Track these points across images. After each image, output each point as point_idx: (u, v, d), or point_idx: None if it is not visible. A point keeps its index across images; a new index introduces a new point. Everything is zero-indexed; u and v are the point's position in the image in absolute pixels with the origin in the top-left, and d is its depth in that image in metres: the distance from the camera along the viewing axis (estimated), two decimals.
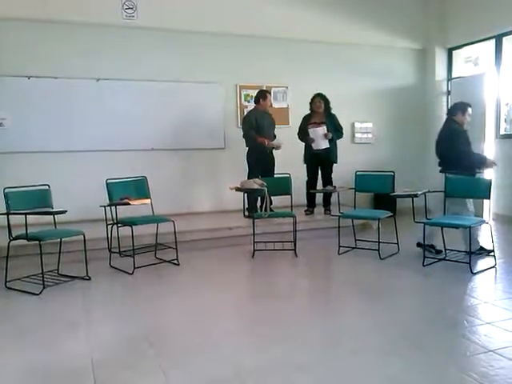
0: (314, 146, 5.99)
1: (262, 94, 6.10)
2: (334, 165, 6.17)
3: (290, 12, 6.74)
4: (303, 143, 6.17)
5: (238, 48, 6.64)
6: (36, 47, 5.75)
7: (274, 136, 6.11)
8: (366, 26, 7.22)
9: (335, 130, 6.07)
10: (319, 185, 6.24)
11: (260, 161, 5.95)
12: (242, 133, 6.08)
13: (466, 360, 2.57)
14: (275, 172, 5.96)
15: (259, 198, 5.69)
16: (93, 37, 5.97)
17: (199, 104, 6.54)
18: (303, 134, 6.11)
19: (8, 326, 3.24)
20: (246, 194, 5.67)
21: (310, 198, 6.22)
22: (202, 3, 6.36)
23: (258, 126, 5.95)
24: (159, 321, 3.29)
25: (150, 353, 2.73)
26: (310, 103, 6.15)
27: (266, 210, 5.21)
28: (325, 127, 5.97)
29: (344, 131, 6.27)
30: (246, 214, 5.85)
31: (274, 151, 6.10)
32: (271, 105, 6.24)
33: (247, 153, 6.07)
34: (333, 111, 6.17)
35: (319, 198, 6.30)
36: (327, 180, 6.12)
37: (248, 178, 5.73)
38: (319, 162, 6.14)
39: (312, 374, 2.46)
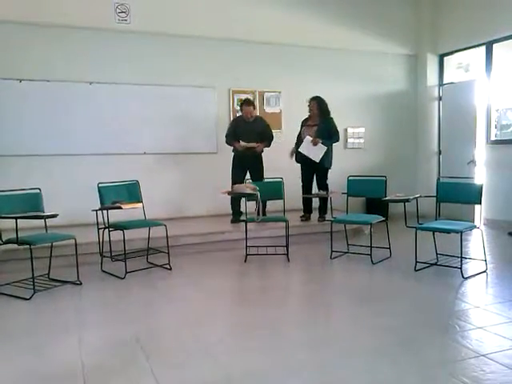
0: (318, 160, 5.88)
1: (240, 105, 6.18)
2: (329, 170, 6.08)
3: (283, 17, 6.78)
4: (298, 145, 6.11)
5: (231, 52, 6.67)
6: (28, 50, 5.73)
7: (260, 142, 6.03)
8: (358, 31, 7.27)
9: (328, 133, 5.92)
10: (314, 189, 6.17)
11: (238, 165, 6.04)
12: None
13: (457, 365, 2.57)
14: (266, 177, 5.90)
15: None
16: (86, 40, 5.96)
17: (192, 108, 6.54)
18: (298, 141, 6.07)
19: None
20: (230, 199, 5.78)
21: (305, 203, 6.16)
22: (196, 8, 6.37)
23: (235, 133, 6.02)
24: (151, 325, 3.27)
25: (141, 358, 2.71)
26: (308, 105, 6.09)
27: (258, 215, 5.22)
28: (308, 137, 5.87)
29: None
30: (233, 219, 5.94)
31: (262, 155, 6.09)
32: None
33: None
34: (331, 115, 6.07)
35: (315, 203, 6.19)
36: (321, 186, 5.95)
37: (232, 182, 5.82)
38: (312, 167, 6.03)
39: (303, 378, 2.46)
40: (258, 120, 6.15)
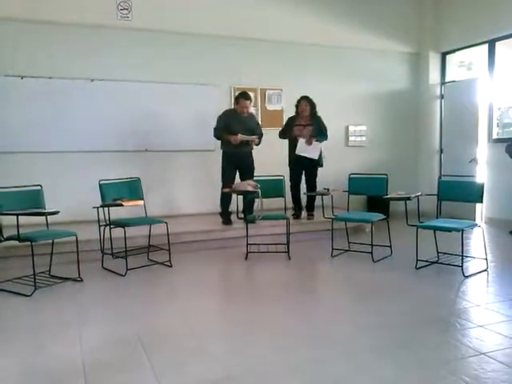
0: (316, 157, 5.92)
1: (236, 98, 5.95)
2: (320, 168, 6.08)
3: (285, 15, 6.77)
4: (288, 145, 6.10)
5: (233, 50, 6.65)
6: (30, 47, 5.72)
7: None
8: (360, 29, 7.25)
9: (319, 131, 5.96)
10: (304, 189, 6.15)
11: (229, 163, 5.83)
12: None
13: (457, 363, 2.57)
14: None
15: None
16: (87, 37, 5.95)
17: (193, 106, 6.53)
18: (285, 134, 6.10)
19: None
20: (221, 199, 5.78)
21: (296, 201, 6.16)
22: (198, 5, 6.36)
23: (226, 127, 5.77)
24: (152, 323, 3.27)
25: (142, 355, 2.71)
26: (296, 105, 6.10)
27: (251, 213, 5.21)
28: (302, 139, 5.87)
29: (338, 134, 6.19)
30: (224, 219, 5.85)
31: (253, 152, 5.96)
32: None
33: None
34: (323, 114, 6.09)
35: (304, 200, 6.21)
36: (312, 185, 6.01)
37: (222, 181, 5.73)
38: (303, 166, 6.03)
39: (303, 376, 2.46)
40: (250, 116, 5.98)
